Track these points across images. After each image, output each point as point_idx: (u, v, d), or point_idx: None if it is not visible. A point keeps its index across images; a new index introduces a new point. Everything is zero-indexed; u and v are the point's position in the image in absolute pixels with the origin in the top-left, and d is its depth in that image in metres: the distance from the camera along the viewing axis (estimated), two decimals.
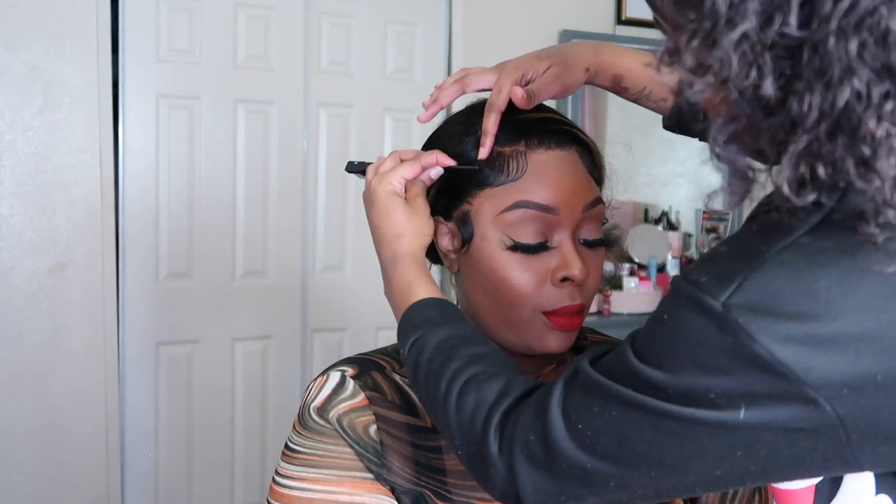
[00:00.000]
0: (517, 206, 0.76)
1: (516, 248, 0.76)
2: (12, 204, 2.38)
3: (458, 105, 0.88)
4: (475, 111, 0.82)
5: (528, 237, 0.76)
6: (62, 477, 2.46)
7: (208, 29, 2.60)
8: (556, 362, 0.84)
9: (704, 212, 3.40)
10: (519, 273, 0.76)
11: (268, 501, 0.78)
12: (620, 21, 3.11)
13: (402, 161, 0.79)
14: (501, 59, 0.85)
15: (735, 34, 0.46)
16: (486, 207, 0.77)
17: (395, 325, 0.73)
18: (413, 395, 0.79)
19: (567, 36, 3.00)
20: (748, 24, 0.46)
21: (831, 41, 0.44)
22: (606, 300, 3.05)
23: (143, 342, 2.60)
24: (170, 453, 2.67)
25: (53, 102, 2.39)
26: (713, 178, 3.08)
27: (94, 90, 2.43)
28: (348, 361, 0.81)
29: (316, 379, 0.79)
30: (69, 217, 2.43)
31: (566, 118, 0.83)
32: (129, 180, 2.55)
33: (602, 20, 3.10)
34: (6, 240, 2.38)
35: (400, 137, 2.86)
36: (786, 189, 0.48)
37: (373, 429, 0.75)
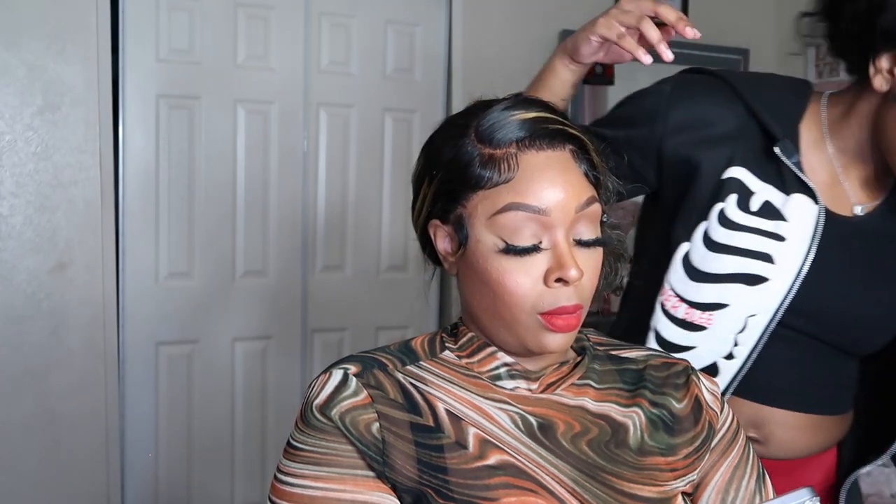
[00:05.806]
0: (508, 208, 0.76)
1: (509, 250, 0.76)
2: (12, 204, 2.38)
3: (458, 105, 0.87)
4: (471, 113, 0.81)
5: (520, 239, 0.76)
6: (62, 477, 2.46)
7: (208, 29, 2.60)
8: (557, 362, 0.84)
9: None
10: (513, 275, 0.76)
11: (269, 499, 0.78)
12: None
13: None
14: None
15: None
16: (480, 210, 0.77)
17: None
18: (415, 394, 0.79)
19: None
20: None
21: None
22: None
23: (143, 342, 2.60)
24: (170, 453, 2.67)
25: (53, 102, 2.39)
26: None
27: (94, 90, 2.43)
28: (351, 359, 0.81)
29: (318, 376, 0.79)
30: (69, 217, 2.43)
31: (562, 116, 0.81)
32: (129, 180, 2.55)
33: None
34: (6, 240, 2.38)
35: (400, 137, 2.86)
36: None
37: (375, 427, 0.75)
